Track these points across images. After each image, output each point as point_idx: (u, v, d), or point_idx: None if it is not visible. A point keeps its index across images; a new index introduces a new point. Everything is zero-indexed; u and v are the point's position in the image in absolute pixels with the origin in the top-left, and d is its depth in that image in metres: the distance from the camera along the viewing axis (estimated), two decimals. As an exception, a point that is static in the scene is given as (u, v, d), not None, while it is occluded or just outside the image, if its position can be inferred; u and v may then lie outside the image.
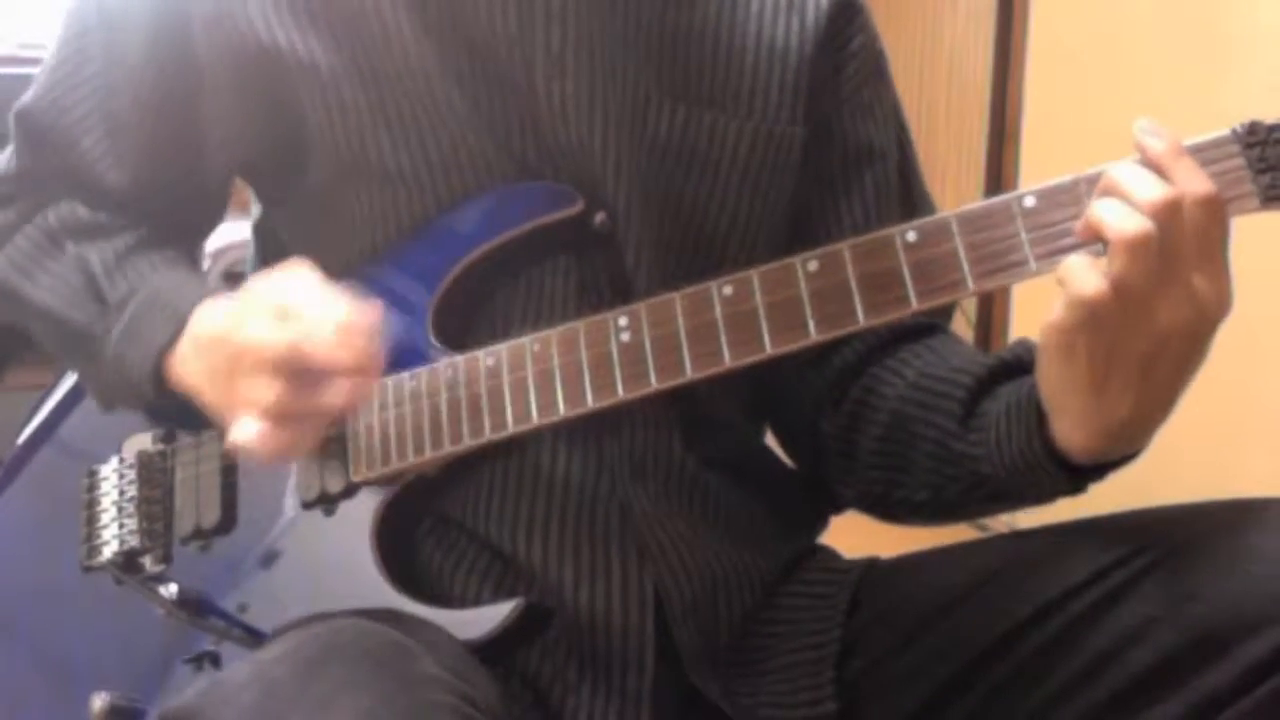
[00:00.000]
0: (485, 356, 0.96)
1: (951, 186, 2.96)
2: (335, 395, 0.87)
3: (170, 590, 1.01)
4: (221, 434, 1.03)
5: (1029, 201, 0.85)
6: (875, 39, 1.11)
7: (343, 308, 0.87)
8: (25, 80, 1.12)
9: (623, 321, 0.92)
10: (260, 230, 1.18)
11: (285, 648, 0.82)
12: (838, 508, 1.13)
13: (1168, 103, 2.36)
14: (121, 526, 1.08)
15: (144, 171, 1.08)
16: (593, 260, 1.01)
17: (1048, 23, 2.85)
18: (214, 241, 1.20)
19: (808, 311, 0.89)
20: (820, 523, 1.14)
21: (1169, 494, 0.98)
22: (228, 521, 1.04)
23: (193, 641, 1.01)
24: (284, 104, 1.02)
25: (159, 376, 0.99)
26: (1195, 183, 0.80)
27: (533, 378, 0.94)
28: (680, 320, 0.91)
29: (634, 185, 1.01)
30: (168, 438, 1.08)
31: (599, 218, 1.00)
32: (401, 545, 0.99)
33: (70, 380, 1.18)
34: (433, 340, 0.99)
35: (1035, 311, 0.85)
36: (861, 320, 0.88)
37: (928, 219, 0.88)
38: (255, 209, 1.18)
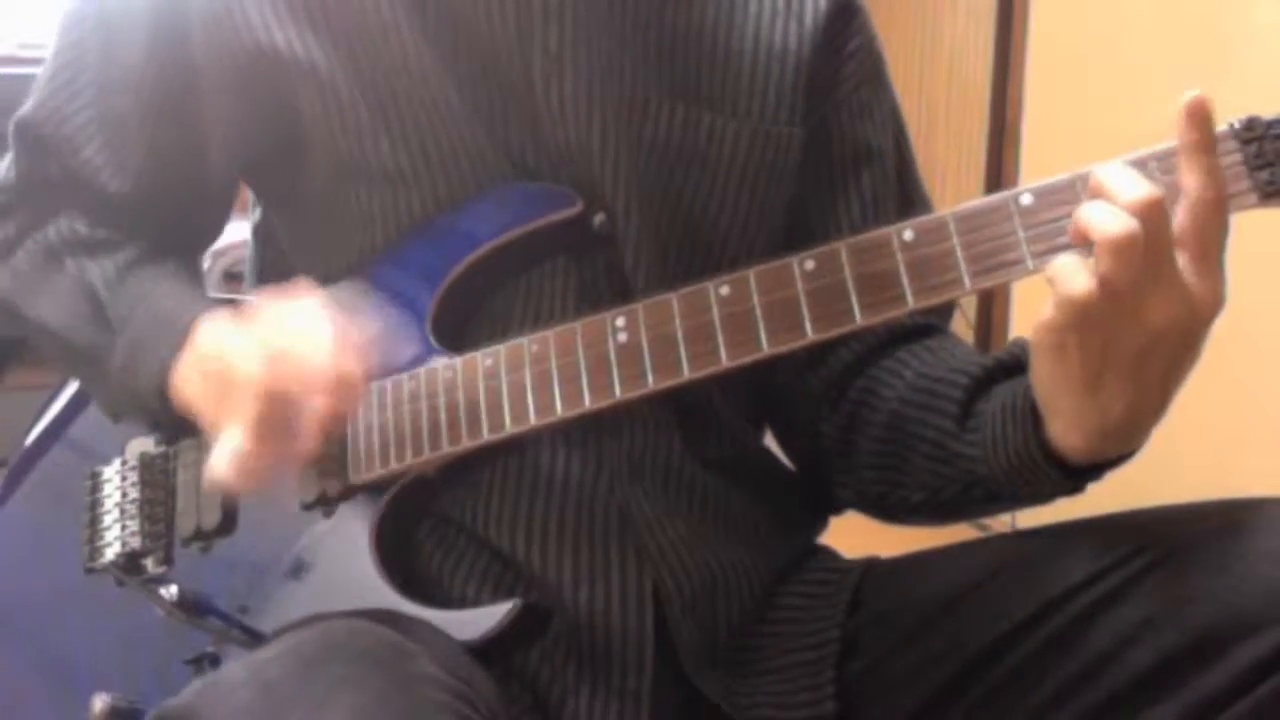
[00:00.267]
0: (484, 358, 0.96)
1: (951, 186, 2.95)
2: (306, 433, 0.88)
3: (170, 591, 1.01)
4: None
5: (1026, 200, 0.85)
6: (874, 40, 1.11)
7: (331, 345, 0.88)
8: (25, 80, 1.11)
9: (620, 322, 0.92)
10: (259, 231, 1.18)
11: (282, 647, 0.82)
12: (837, 508, 1.13)
13: (1168, 103, 2.36)
14: (123, 528, 1.08)
15: (146, 176, 1.08)
16: (592, 261, 1.01)
17: (1048, 23, 2.85)
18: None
19: (804, 311, 0.88)
20: (820, 523, 1.14)
21: (1169, 494, 0.98)
22: (228, 523, 1.04)
23: (193, 643, 1.01)
24: (283, 104, 1.02)
25: (164, 393, 0.99)
26: (1209, 184, 0.79)
27: (531, 379, 0.94)
28: (677, 321, 0.91)
29: (633, 186, 1.01)
30: (170, 440, 1.08)
31: (598, 219, 1.00)
32: (400, 546, 0.99)
33: (77, 382, 1.18)
34: (432, 341, 0.99)
35: (1035, 311, 0.84)
36: (858, 319, 0.88)
37: (925, 218, 0.88)
38: (255, 210, 1.18)
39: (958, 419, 0.97)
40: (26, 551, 1.17)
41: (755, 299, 0.90)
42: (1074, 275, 0.80)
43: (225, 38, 1.01)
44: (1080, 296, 0.79)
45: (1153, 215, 0.78)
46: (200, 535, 1.04)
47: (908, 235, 0.87)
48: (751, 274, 0.90)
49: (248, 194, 1.18)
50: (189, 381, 0.97)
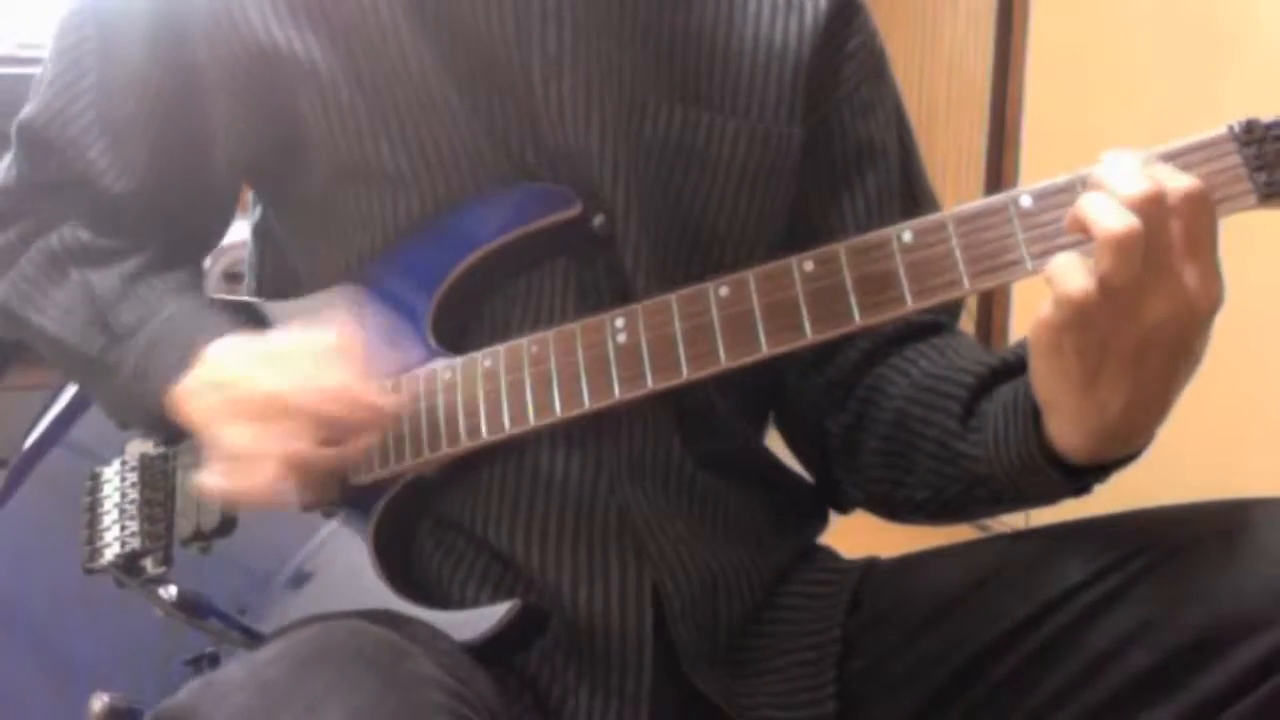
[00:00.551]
0: (483, 358, 0.96)
1: (951, 187, 2.95)
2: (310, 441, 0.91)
3: (170, 592, 1.01)
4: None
5: (1025, 201, 0.85)
6: (874, 37, 1.11)
7: (340, 372, 0.91)
8: (25, 80, 1.11)
9: (619, 323, 0.92)
10: (259, 231, 1.18)
11: (279, 648, 0.82)
12: (843, 508, 1.13)
13: (1167, 103, 2.37)
14: (123, 529, 1.08)
15: (150, 178, 1.07)
16: (592, 262, 1.01)
17: (1048, 23, 2.85)
18: (213, 242, 1.20)
19: (804, 312, 0.89)
20: (820, 523, 1.14)
21: (1169, 494, 0.98)
22: (228, 524, 1.04)
23: (193, 643, 1.01)
24: (283, 105, 1.02)
25: (168, 407, 0.99)
26: (1178, 179, 0.80)
27: (530, 379, 0.94)
28: (677, 321, 0.91)
29: (632, 186, 1.01)
30: (170, 440, 1.08)
31: (598, 219, 1.00)
32: (400, 547, 0.99)
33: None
34: (431, 342, 0.99)
35: (1035, 311, 0.84)
36: (858, 321, 0.88)
37: (924, 219, 0.88)
38: (255, 210, 1.18)
39: (961, 418, 0.97)
40: (26, 552, 1.17)
41: (754, 300, 0.90)
42: (1072, 274, 0.80)
43: (226, 38, 1.01)
44: (1079, 295, 0.79)
45: (1153, 211, 0.78)
46: (200, 536, 1.04)
47: (907, 236, 0.87)
48: (751, 275, 0.90)
49: (248, 194, 1.18)
50: (193, 397, 0.98)
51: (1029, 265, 0.84)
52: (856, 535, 1.18)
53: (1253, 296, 0.92)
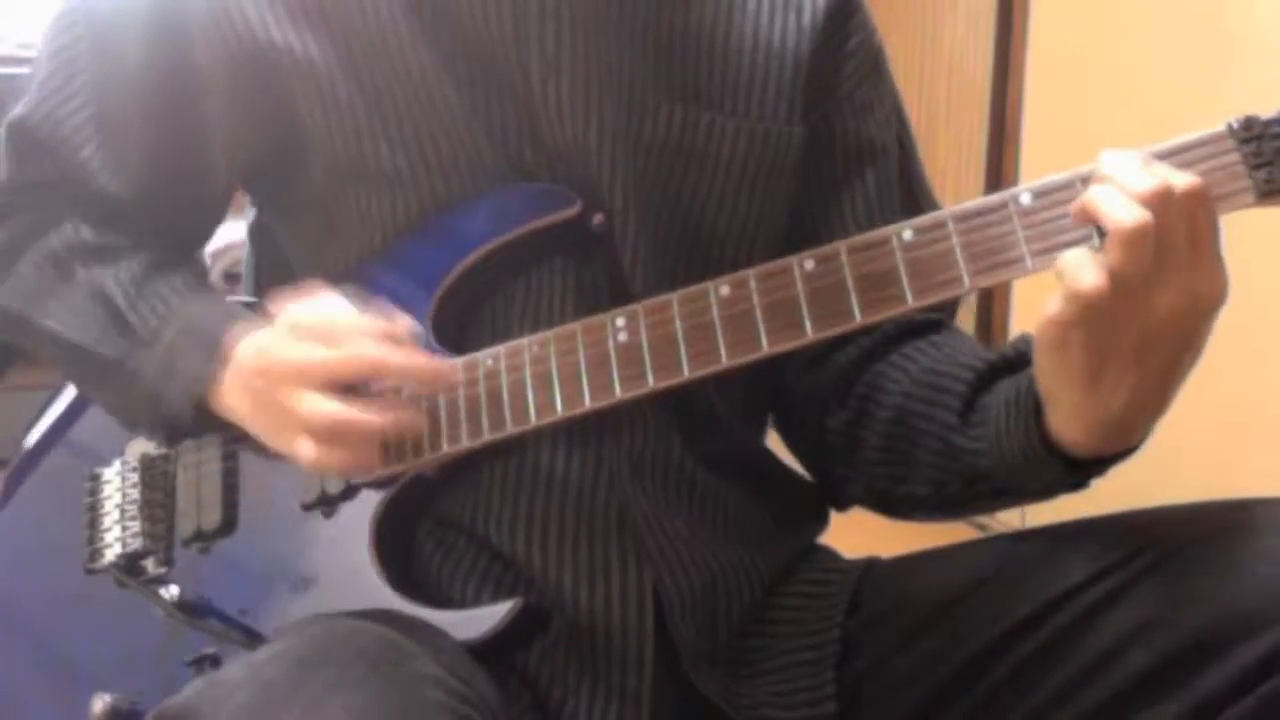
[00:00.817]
0: (484, 358, 0.96)
1: (951, 187, 2.95)
2: (383, 404, 0.92)
3: (171, 592, 1.01)
4: (223, 439, 1.04)
5: (1025, 199, 0.85)
6: (873, 36, 1.11)
7: (372, 320, 0.91)
8: (25, 80, 1.11)
9: (620, 322, 0.93)
10: (255, 232, 1.18)
11: (280, 648, 0.82)
12: (842, 506, 1.13)
13: (1167, 103, 2.37)
14: (124, 529, 1.08)
15: (146, 177, 1.07)
16: (591, 261, 1.01)
17: (1048, 23, 2.85)
18: (213, 243, 1.20)
19: (804, 311, 0.89)
20: (820, 522, 1.14)
21: (1169, 494, 0.98)
22: (229, 524, 1.04)
23: (194, 644, 1.01)
24: (281, 105, 1.02)
25: (202, 408, 0.99)
26: (1178, 176, 0.80)
27: (531, 379, 0.94)
28: (677, 321, 0.91)
29: (631, 186, 1.01)
30: (172, 442, 1.08)
31: (596, 219, 1.00)
32: (400, 546, 0.99)
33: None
34: (432, 342, 0.99)
35: (1036, 309, 0.85)
36: (858, 319, 0.88)
37: (924, 217, 0.88)
38: (250, 211, 1.18)
39: (961, 413, 0.97)
40: (27, 552, 1.16)
41: (755, 299, 0.90)
42: (1083, 269, 0.80)
43: (224, 37, 1.01)
44: (1090, 289, 0.80)
45: (1161, 204, 0.79)
46: (200, 536, 1.04)
47: (907, 235, 0.88)
48: (751, 274, 0.90)
49: (244, 195, 1.17)
50: (232, 393, 0.97)
51: (1029, 263, 0.84)
52: (856, 535, 1.18)
53: (1253, 296, 0.92)
